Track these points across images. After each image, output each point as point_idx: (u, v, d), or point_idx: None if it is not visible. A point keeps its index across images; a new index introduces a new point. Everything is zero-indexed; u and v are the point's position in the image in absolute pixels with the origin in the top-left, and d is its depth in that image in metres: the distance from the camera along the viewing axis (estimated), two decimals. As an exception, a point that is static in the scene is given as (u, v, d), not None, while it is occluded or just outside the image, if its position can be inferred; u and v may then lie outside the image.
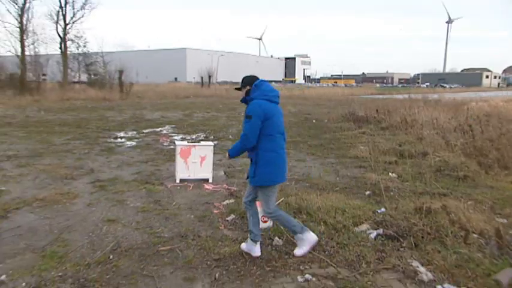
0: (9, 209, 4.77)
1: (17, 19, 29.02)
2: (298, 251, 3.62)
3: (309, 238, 3.61)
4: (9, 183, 5.91)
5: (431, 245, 3.74)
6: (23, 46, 29.09)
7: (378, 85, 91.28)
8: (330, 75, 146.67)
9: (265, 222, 4.26)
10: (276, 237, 3.98)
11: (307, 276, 3.25)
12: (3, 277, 3.18)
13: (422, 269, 3.33)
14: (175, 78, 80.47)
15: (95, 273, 3.29)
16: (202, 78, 47.80)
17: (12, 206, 4.88)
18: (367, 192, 5.62)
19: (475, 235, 3.91)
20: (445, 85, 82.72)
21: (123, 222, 4.47)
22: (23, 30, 29.03)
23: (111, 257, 3.58)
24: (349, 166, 7.52)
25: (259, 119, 3.35)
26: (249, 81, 3.57)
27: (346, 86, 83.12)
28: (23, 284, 3.09)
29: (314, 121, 15.32)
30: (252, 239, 3.62)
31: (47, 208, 4.87)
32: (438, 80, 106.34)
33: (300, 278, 3.24)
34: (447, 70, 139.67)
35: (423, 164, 7.30)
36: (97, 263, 3.46)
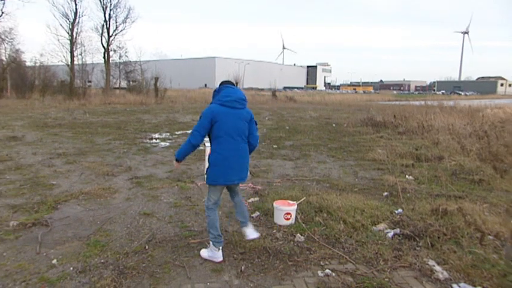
0: (59, 201, 4.94)
1: (68, 32, 30.34)
2: (203, 253, 3.46)
3: (216, 255, 3.38)
4: (59, 178, 6.13)
5: (447, 245, 3.62)
6: (72, 56, 30.29)
7: (395, 92, 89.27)
8: (349, 82, 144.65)
9: (287, 220, 4.24)
10: (298, 234, 3.95)
11: (327, 271, 3.21)
12: (54, 261, 3.30)
13: (438, 268, 3.22)
14: (205, 85, 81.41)
15: (133, 261, 3.35)
16: (230, 84, 48.10)
17: (62, 198, 5.06)
18: (385, 194, 5.49)
19: (490, 237, 3.76)
20: (460, 92, 79.98)
21: (157, 216, 4.54)
22: (73, 42, 30.21)
23: (146, 247, 3.65)
24: (368, 168, 7.38)
25: (207, 119, 3.28)
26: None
27: (364, 92, 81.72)
28: (71, 268, 3.19)
29: (334, 125, 15.13)
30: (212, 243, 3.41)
31: (91, 201, 5.01)
32: (453, 87, 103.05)
33: (320, 273, 3.19)
34: (462, 78, 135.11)
35: (439, 167, 7.08)
36: (134, 252, 3.54)
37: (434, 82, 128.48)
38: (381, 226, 4.11)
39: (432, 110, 15.05)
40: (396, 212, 4.56)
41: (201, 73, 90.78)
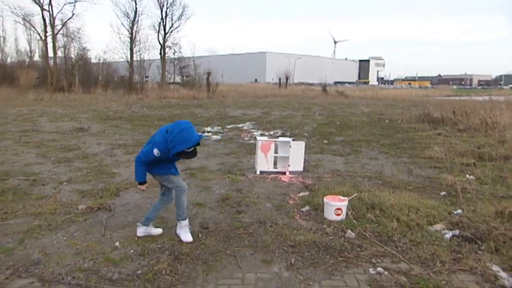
0: (121, 188, 5.28)
1: (128, 30, 32.07)
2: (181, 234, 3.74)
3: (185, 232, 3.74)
4: (120, 167, 6.54)
5: (514, 251, 3.35)
6: (132, 53, 31.98)
7: (454, 87, 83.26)
8: (404, 77, 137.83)
9: (338, 215, 4.18)
10: (349, 230, 3.87)
11: (379, 269, 3.12)
12: (117, 243, 3.55)
13: (503, 274, 2.99)
14: (256, 79, 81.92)
15: (187, 248, 3.50)
16: (280, 79, 47.97)
17: (122, 186, 5.40)
18: (442, 193, 5.19)
19: None
20: (531, 86, 72.74)
21: (209, 206, 4.68)
22: (132, 40, 31.87)
23: (199, 235, 3.78)
24: (423, 166, 7.02)
25: None
26: None
27: (420, 87, 77.37)
28: (131, 251, 3.41)
29: (387, 121, 14.54)
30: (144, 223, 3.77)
31: (148, 189, 5.25)
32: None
33: (371, 270, 3.11)
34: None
35: (505, 167, 6.54)
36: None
37: (501, 76, 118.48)
38: (438, 226, 3.90)
39: (498, 106, 13.91)
40: (455, 212, 4.30)
41: (251, 68, 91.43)
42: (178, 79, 38.92)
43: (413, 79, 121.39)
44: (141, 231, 3.76)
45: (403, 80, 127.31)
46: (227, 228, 3.97)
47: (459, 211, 4.33)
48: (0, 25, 35.40)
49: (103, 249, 3.44)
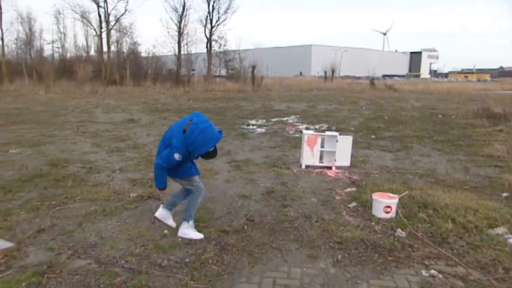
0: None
1: (176, 25, 33.02)
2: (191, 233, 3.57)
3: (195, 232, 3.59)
4: (168, 158, 6.76)
5: None
6: (179, 47, 32.92)
7: (518, 79, 76.67)
8: (460, 70, 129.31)
9: (387, 213, 4.03)
10: (399, 229, 3.72)
11: (433, 272, 2.96)
12: (166, 231, 3.69)
13: None
14: (300, 73, 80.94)
15: (233, 239, 3.54)
16: (325, 72, 47.02)
17: (170, 176, 5.58)
18: (504, 194, 4.82)
19: None
20: None
21: (254, 198, 4.71)
22: (180, 34, 32.79)
23: (245, 227, 3.82)
24: (482, 165, 6.56)
25: None
26: None
27: (478, 80, 72.17)
28: (179, 240, 3.52)
29: (440, 116, 13.74)
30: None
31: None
32: None
33: (424, 273, 2.97)
34: None
35: None
36: (234, 231, 3.73)
37: None
38: (500, 230, 3.63)
39: None
40: (520, 216, 3.98)
41: (296, 61, 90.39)
42: (223, 72, 39.45)
43: (470, 71, 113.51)
44: (158, 212, 3.78)
45: (458, 72, 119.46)
46: (272, 222, 3.97)
47: (524, 214, 4.00)
48: (62, 22, 37.41)
49: (153, 236, 3.59)
